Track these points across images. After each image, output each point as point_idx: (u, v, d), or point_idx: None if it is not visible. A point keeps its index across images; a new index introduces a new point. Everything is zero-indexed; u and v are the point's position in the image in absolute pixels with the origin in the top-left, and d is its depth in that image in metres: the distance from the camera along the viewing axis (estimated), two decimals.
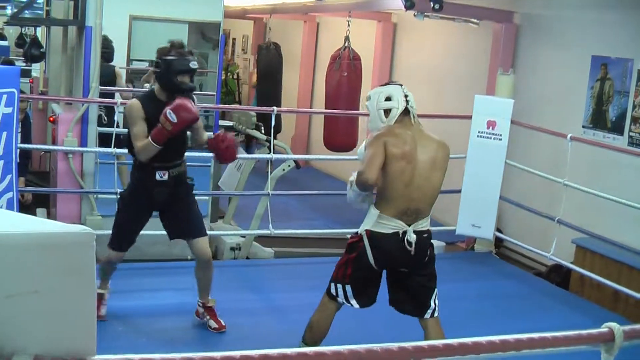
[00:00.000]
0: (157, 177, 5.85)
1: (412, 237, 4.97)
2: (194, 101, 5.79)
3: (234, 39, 19.81)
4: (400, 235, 4.98)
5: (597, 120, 8.76)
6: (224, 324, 6.28)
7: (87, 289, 1.64)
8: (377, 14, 12.66)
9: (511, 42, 10.00)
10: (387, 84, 5.42)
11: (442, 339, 5.02)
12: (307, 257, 8.83)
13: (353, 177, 5.12)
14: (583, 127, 8.90)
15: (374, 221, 5.03)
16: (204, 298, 6.32)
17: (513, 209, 9.31)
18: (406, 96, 5.22)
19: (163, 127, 5.51)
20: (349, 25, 11.26)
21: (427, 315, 5.23)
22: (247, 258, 8.77)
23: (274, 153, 8.50)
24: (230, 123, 9.83)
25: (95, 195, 8.22)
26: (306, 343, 5.34)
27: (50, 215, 8.86)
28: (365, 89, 12.00)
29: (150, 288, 7.41)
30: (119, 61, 10.23)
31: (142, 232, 8.01)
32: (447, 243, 9.66)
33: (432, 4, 8.87)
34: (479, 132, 8.54)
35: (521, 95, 9.28)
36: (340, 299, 5.21)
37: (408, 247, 4.98)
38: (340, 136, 11.60)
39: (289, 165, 8.88)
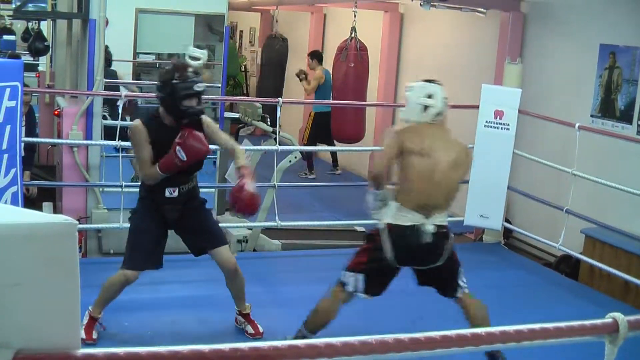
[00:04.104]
0: (167, 194, 5.61)
1: (429, 229, 5.04)
2: (201, 125, 5.55)
3: (241, 32, 19.77)
4: (418, 227, 5.04)
5: (606, 109, 8.69)
6: (261, 330, 6.09)
7: (70, 281, 1.60)
8: (384, 4, 12.61)
9: (518, 31, 9.93)
10: (432, 81, 5.42)
11: (481, 309, 5.29)
12: (315, 249, 8.79)
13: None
14: (591, 116, 8.84)
15: (393, 213, 5.08)
16: (239, 306, 6.12)
17: (521, 199, 9.26)
18: (445, 98, 5.29)
19: (173, 161, 5.35)
20: (355, 15, 11.21)
21: (459, 294, 5.33)
22: (254, 250, 8.74)
23: (280, 145, 8.46)
24: (236, 115, 9.78)
25: (101, 189, 8.20)
26: (307, 328, 5.38)
27: (56, 209, 8.84)
28: (373, 79, 11.98)
29: (157, 281, 7.34)
30: (125, 54, 10.21)
31: None
32: (456, 234, 9.51)
33: None
34: (486, 121, 8.49)
35: (529, 85, 9.21)
36: (350, 287, 5.22)
37: (424, 239, 5.04)
38: (348, 127, 11.57)
39: (296, 157, 8.84)
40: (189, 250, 6.05)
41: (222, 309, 6.63)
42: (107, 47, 8.84)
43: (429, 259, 5.20)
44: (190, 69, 5.49)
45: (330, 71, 12.30)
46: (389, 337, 1.83)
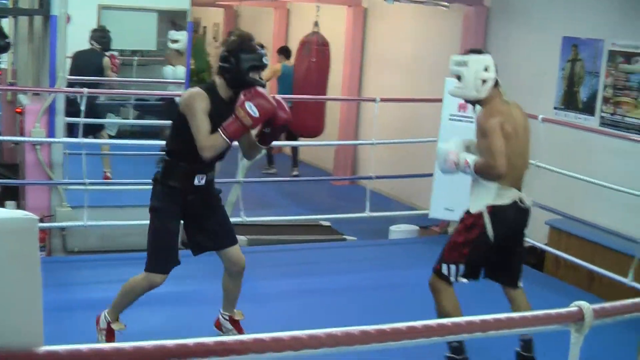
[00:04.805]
0: (196, 181, 5.17)
1: (529, 202, 5.10)
2: None
3: (204, 28, 19.69)
4: (519, 202, 5.04)
5: (569, 101, 8.75)
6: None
7: (31, 277, 1.58)
8: None
9: (482, 24, 9.97)
10: (480, 51, 5.36)
11: (529, 308, 5.20)
12: (281, 244, 8.79)
13: (466, 160, 5.04)
14: (555, 108, 8.89)
15: (494, 194, 5.01)
16: (231, 310, 5.78)
17: None
18: (496, 65, 5.20)
19: (241, 122, 4.85)
20: (318, 10, 11.21)
21: (520, 284, 5.39)
22: None
23: None
24: None
25: (64, 187, 8.12)
26: None
27: (19, 208, 8.75)
28: (337, 74, 11.98)
29: (122, 279, 7.20)
30: None
31: (116, 222, 8.02)
32: (421, 227, 9.63)
33: None
34: (450, 114, 8.50)
35: None
36: (452, 277, 5.14)
37: (524, 214, 5.09)
38: (309, 121, 11.57)
39: (260, 152, 8.80)
40: (194, 249, 5.59)
41: (187, 305, 6.62)
42: (104, 27, 8.84)
43: (523, 233, 5.26)
44: (256, 41, 5.20)
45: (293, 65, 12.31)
46: (354, 329, 1.82)
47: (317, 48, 11.38)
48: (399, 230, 9.48)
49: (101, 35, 9.74)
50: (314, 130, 11.55)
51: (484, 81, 5.08)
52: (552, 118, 8.47)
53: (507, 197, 5.00)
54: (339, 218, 9.45)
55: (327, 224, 10.04)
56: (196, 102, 4.94)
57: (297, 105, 11.76)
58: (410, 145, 10.47)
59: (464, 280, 5.20)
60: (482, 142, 4.98)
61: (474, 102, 5.24)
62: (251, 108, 4.85)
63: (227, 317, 5.78)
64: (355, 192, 11.85)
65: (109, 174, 9.75)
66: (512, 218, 5.06)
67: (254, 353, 1.73)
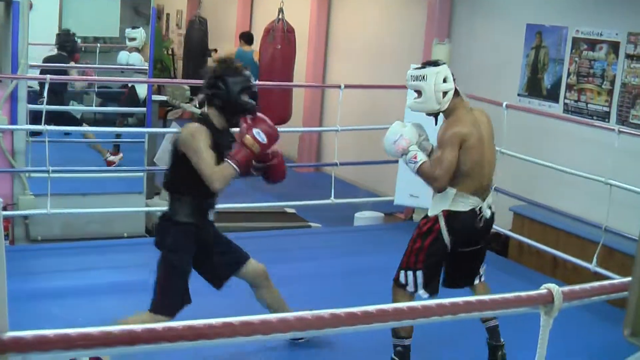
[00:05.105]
0: (210, 217, 5.08)
1: (487, 213, 5.03)
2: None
3: (167, 14, 19.58)
4: (477, 211, 4.99)
5: (533, 88, 8.79)
6: None
7: None
8: None
9: (446, 11, 9.98)
10: (436, 62, 5.26)
11: (489, 291, 5.25)
12: (246, 232, 8.76)
13: (415, 155, 4.98)
14: (519, 95, 8.93)
15: (450, 200, 4.96)
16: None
17: None
18: (453, 74, 5.16)
19: (250, 149, 4.75)
20: None
21: (477, 281, 5.34)
22: None
23: None
24: (164, 97, 9.69)
25: (27, 174, 8.05)
26: (398, 336, 5.13)
27: None
28: (300, 61, 11.95)
29: (86, 267, 7.27)
30: (50, 38, 10.04)
31: (80, 210, 7.98)
32: (386, 214, 9.66)
33: None
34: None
35: (457, 65, 9.23)
36: (410, 287, 5.06)
37: (482, 222, 5.01)
38: (275, 109, 11.52)
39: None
40: (216, 283, 5.33)
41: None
42: (69, 31, 8.77)
43: (482, 240, 5.19)
44: (237, 63, 5.08)
45: (258, 52, 12.24)
46: (325, 312, 1.81)
47: (282, 35, 11.33)
48: (363, 217, 9.49)
49: (65, 40, 9.67)
50: (281, 117, 11.50)
51: (445, 93, 5.04)
52: (516, 104, 8.52)
53: (465, 204, 4.97)
54: (305, 205, 9.43)
55: (293, 211, 10.03)
56: (198, 140, 4.76)
57: (262, 92, 11.68)
58: (375, 132, 10.43)
59: (424, 294, 5.08)
60: (436, 151, 4.98)
61: (436, 114, 5.17)
62: (259, 135, 4.77)
63: None
64: (319, 179, 11.85)
65: (111, 158, 9.67)
66: (469, 225, 5.01)
67: (223, 337, 1.72)
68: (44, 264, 7.19)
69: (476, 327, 5.31)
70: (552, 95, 8.52)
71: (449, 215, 4.97)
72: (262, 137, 4.77)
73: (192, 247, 5.00)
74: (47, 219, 7.82)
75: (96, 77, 10.35)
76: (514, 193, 8.22)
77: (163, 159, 9.26)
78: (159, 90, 12.69)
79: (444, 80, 5.04)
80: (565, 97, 8.40)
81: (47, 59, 9.78)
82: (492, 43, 9.43)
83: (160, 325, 1.70)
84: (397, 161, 8.58)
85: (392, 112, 9.54)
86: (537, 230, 8.06)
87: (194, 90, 9.21)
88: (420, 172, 4.95)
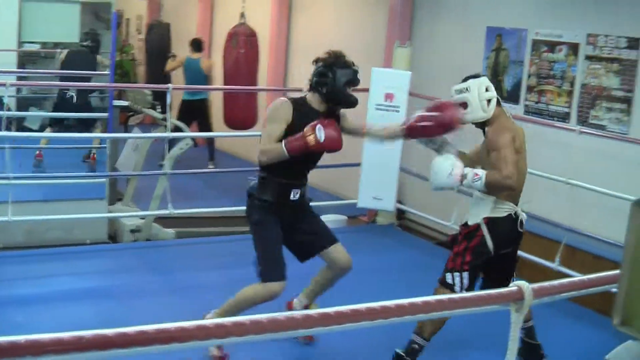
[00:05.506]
0: (292, 196, 5.28)
1: (524, 216, 5.27)
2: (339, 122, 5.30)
3: (127, 19, 19.49)
4: (514, 216, 5.20)
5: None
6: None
7: None
8: None
9: (407, 14, 10.03)
10: (477, 75, 5.53)
11: None
12: (209, 237, 8.75)
13: (476, 173, 5.04)
14: None
15: (490, 207, 5.17)
16: (310, 300, 5.75)
17: (414, 180, 9.35)
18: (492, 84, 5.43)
19: (305, 140, 4.95)
20: (244, 1, 11.15)
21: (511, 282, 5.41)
22: (148, 240, 8.63)
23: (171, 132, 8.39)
24: (125, 103, 9.64)
25: None
26: (422, 335, 5.26)
27: None
28: (263, 65, 11.94)
29: (49, 274, 7.21)
30: (9, 44, 9.96)
31: (41, 217, 7.90)
32: (349, 217, 9.66)
33: None
34: (377, 104, 8.53)
35: (418, 68, 9.31)
36: (457, 288, 5.20)
37: (519, 226, 5.24)
38: (239, 113, 11.50)
39: (187, 144, 8.77)
40: (300, 257, 5.55)
41: (117, 299, 6.56)
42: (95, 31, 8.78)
43: (518, 242, 5.40)
44: (347, 57, 5.40)
45: (221, 57, 12.19)
46: (297, 313, 1.81)
47: (245, 39, 11.30)
48: (327, 220, 9.36)
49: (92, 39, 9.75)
50: (247, 122, 11.48)
51: (489, 101, 5.29)
52: None
53: (503, 210, 5.18)
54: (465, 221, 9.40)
55: None
56: (278, 111, 5.13)
57: (227, 97, 11.70)
58: None
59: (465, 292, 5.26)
60: (494, 155, 5.10)
61: (483, 125, 5.36)
62: (320, 132, 4.92)
63: (304, 305, 5.77)
64: None
65: None
66: (509, 229, 5.24)
67: (197, 340, 1.72)
68: (6, 271, 7.12)
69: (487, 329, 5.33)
70: (513, 96, 8.57)
71: (490, 221, 5.18)
72: (321, 136, 4.92)
73: (275, 220, 5.25)
74: (8, 226, 7.75)
75: (55, 83, 10.27)
76: None
77: (125, 164, 9.23)
78: (120, 95, 12.63)
79: (486, 90, 5.31)
80: (525, 99, 8.46)
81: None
82: (453, 45, 9.48)
83: (132, 329, 1.70)
84: (359, 164, 8.62)
85: (355, 115, 9.55)
86: None
87: (156, 95, 9.15)
88: (489, 182, 5.03)
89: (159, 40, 14.19)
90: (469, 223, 5.25)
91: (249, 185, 5.38)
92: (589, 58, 7.82)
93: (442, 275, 5.30)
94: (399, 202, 9.31)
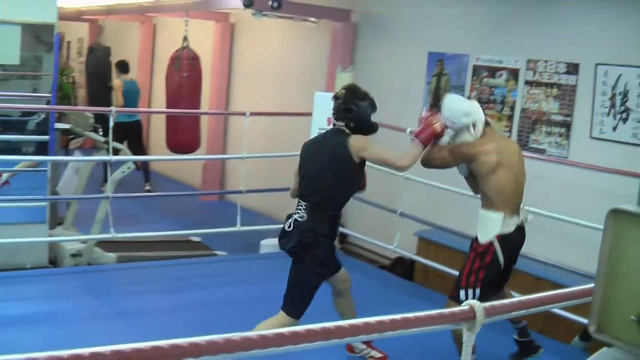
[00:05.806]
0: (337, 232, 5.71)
1: (525, 224, 5.55)
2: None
3: (68, 42, 19.35)
4: (518, 229, 5.46)
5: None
6: (385, 354, 6.00)
7: None
8: (215, 14, 12.60)
9: (349, 39, 10.10)
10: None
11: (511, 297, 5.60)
12: (151, 261, 8.69)
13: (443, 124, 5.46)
14: None
15: (501, 225, 5.36)
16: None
17: (356, 203, 9.36)
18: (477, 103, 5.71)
19: (432, 128, 5.43)
20: (187, 25, 11.13)
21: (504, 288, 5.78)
22: (89, 264, 8.54)
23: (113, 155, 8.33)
24: (67, 126, 9.54)
25: None
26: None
27: None
28: (206, 88, 11.93)
29: (17, 297, 7.11)
30: None
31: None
32: None
33: (270, 3, 8.86)
34: (320, 128, 8.52)
35: None
36: None
37: (524, 236, 5.56)
38: (183, 137, 11.45)
39: (129, 168, 8.72)
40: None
41: (58, 324, 6.48)
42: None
43: (519, 251, 5.64)
44: (362, 89, 5.68)
45: (163, 81, 12.15)
46: (252, 333, 1.82)
47: (188, 63, 11.27)
48: (269, 245, 9.47)
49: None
50: (189, 146, 11.43)
51: (474, 125, 5.49)
52: None
53: (511, 225, 5.39)
54: (211, 233, 9.39)
55: (198, 239, 9.98)
56: (363, 140, 5.40)
57: (170, 120, 11.64)
58: (280, 160, 10.49)
59: None
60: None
61: None
62: (440, 120, 5.44)
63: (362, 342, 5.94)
64: (224, 207, 11.82)
65: None
66: (515, 243, 5.50)
67: (191, 357, 1.72)
68: None
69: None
70: None
71: (502, 238, 5.38)
72: (441, 124, 5.43)
73: (332, 260, 5.56)
74: None
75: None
76: (418, 217, 8.32)
77: (66, 187, 9.13)
78: (60, 118, 12.50)
79: (466, 115, 5.49)
80: None
81: None
82: (396, 70, 9.57)
83: (87, 350, 1.68)
84: None
85: (297, 139, 9.58)
86: (442, 254, 8.17)
87: (98, 118, 9.08)
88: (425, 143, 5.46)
89: (99, 63, 14.07)
90: (481, 241, 5.42)
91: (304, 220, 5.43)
92: (528, 83, 7.95)
93: (454, 292, 5.50)
94: (341, 225, 9.33)
